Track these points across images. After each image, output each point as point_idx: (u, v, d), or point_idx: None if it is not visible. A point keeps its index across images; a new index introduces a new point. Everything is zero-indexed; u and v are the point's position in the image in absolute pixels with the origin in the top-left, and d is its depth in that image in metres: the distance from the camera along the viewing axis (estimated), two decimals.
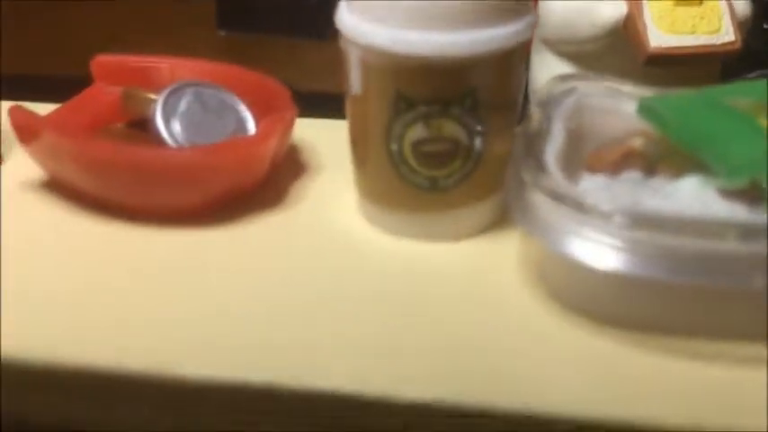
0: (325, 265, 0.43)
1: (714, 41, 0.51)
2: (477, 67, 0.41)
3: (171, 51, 0.86)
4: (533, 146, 0.36)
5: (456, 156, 0.42)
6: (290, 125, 0.53)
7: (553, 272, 0.37)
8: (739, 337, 0.33)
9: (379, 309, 0.39)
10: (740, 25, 0.52)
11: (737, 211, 0.32)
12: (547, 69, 0.58)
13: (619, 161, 0.37)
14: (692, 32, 0.51)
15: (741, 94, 0.36)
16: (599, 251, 0.32)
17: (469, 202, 0.44)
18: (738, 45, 0.51)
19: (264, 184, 0.52)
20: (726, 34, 0.51)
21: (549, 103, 0.40)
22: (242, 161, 0.50)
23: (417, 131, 0.41)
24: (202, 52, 0.87)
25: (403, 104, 0.41)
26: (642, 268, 0.31)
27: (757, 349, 0.33)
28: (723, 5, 0.52)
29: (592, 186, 0.35)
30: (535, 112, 0.40)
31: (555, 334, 0.35)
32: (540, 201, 0.34)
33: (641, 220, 0.31)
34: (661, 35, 0.50)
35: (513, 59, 0.43)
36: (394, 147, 0.43)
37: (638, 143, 0.37)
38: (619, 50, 0.52)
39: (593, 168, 0.37)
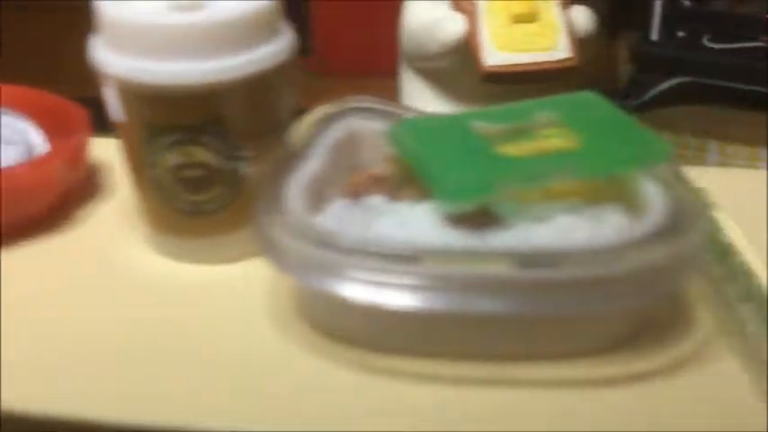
0: (90, 285, 0.41)
1: (550, 58, 0.47)
2: (221, 94, 0.38)
3: None
4: (278, 175, 0.34)
5: (214, 181, 0.40)
6: (83, 148, 0.50)
7: (301, 298, 0.34)
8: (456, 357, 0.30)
9: (125, 328, 0.37)
10: (581, 41, 0.48)
11: (458, 237, 0.29)
12: (410, 87, 0.55)
13: (363, 186, 0.34)
14: (529, 50, 0.47)
15: (496, 119, 0.32)
16: (324, 279, 0.29)
17: (236, 227, 0.42)
18: (575, 61, 0.47)
19: (57, 208, 0.50)
20: (562, 51, 0.47)
21: (318, 127, 0.37)
22: (23, 188, 0.47)
23: (172, 158, 0.40)
24: None
25: (153, 132, 0.39)
26: (361, 294, 0.28)
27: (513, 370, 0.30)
28: (560, 22, 0.47)
29: (335, 212, 0.32)
30: (299, 136, 0.37)
31: (301, 358, 0.32)
32: (276, 232, 0.31)
33: (346, 247, 0.28)
34: (497, 53, 0.47)
35: (267, 83, 0.39)
36: (153, 172, 0.41)
37: (382, 168, 0.34)
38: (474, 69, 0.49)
39: (345, 193, 0.34)
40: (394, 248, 0.27)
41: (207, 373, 0.35)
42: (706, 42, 0.79)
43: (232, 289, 0.39)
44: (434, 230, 0.29)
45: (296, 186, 0.33)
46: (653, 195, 0.29)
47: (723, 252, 0.32)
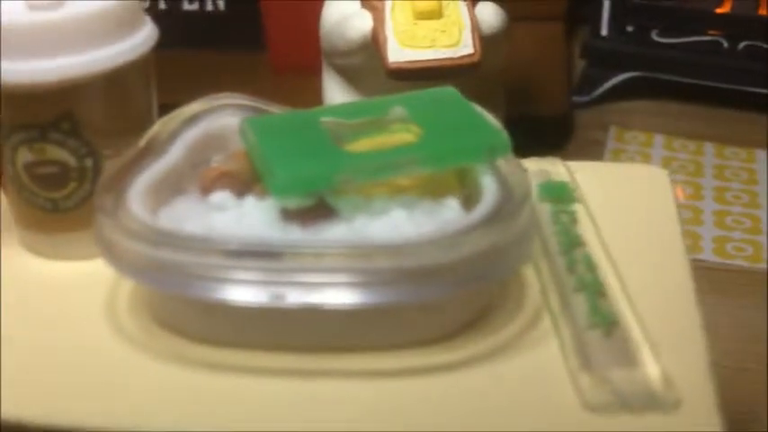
0: None
1: (452, 55, 0.47)
2: (72, 91, 0.38)
3: None
4: (123, 173, 0.33)
5: (69, 178, 0.40)
6: None
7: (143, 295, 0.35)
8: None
9: None
10: (488, 38, 0.49)
11: (292, 232, 0.30)
12: (329, 84, 0.56)
13: (212, 181, 0.34)
14: (432, 46, 0.48)
15: (349, 115, 0.33)
16: (158, 276, 0.29)
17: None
18: (477, 57, 0.47)
19: None
20: (464, 47, 0.48)
21: (182, 123, 0.37)
22: None
23: (24, 155, 0.40)
24: None
25: (8, 130, 0.40)
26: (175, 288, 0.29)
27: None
28: (465, 19, 0.48)
29: (178, 208, 0.33)
30: (159, 132, 0.37)
31: (137, 355, 0.33)
32: (112, 233, 0.31)
33: (170, 241, 0.29)
34: (401, 50, 0.48)
35: (123, 80, 0.39)
36: (12, 170, 0.41)
37: (232, 163, 0.34)
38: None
39: (197, 189, 0.34)
40: (223, 244, 0.28)
41: (37, 365, 0.34)
42: (655, 37, 0.80)
43: (82, 284, 0.40)
44: (269, 226, 0.30)
45: (141, 184, 0.32)
46: (488, 187, 0.30)
47: (570, 243, 0.33)
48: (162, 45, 0.90)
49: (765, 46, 0.76)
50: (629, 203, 0.38)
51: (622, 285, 0.32)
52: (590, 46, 0.82)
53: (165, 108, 0.79)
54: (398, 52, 0.47)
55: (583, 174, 0.39)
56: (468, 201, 0.31)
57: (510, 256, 0.29)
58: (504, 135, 0.31)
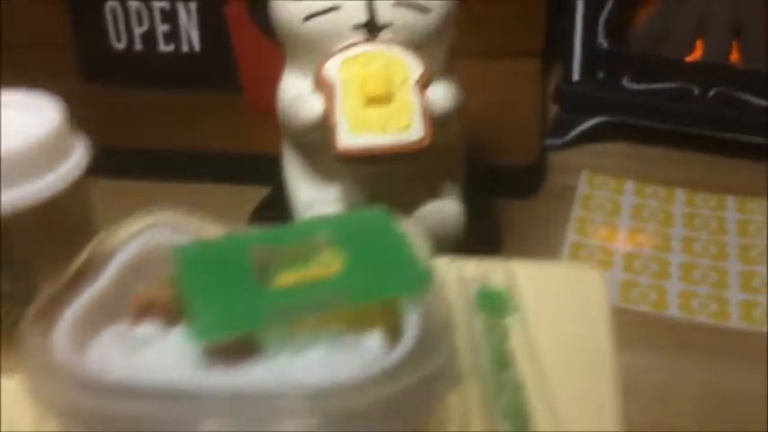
0: None
1: (402, 140, 0.48)
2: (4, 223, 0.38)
3: None
4: (51, 305, 0.33)
5: (6, 301, 0.40)
6: None
7: None
8: None
9: None
10: (440, 119, 0.49)
11: (215, 371, 0.30)
12: (286, 157, 0.56)
13: (139, 310, 0.33)
14: (382, 131, 0.48)
15: (276, 241, 0.33)
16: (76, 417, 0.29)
17: None
18: (427, 141, 0.48)
19: None
20: (415, 131, 0.48)
21: (115, 245, 0.36)
22: None
23: None
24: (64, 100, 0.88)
25: None
26: None
27: None
28: (415, 101, 0.48)
29: (105, 343, 0.32)
30: (89, 256, 0.36)
31: None
32: (36, 374, 0.31)
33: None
34: (350, 135, 0.48)
35: (54, 206, 0.39)
36: None
37: (161, 290, 0.34)
38: None
39: (126, 318, 0.34)
40: (140, 388, 0.28)
41: None
42: (626, 83, 0.80)
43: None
44: (192, 363, 0.30)
45: (71, 315, 0.31)
46: (409, 322, 0.30)
47: (500, 363, 0.34)
48: (138, 86, 0.91)
49: (736, 93, 0.77)
50: (564, 310, 0.38)
51: (551, 410, 0.33)
52: (562, 91, 0.83)
53: (154, 153, 0.79)
54: (348, 137, 0.48)
55: (524, 276, 0.39)
56: (393, 331, 0.31)
57: (429, 393, 0.30)
58: (428, 271, 0.32)
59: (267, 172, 0.78)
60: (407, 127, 0.48)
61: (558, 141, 0.84)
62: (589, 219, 0.73)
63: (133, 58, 0.89)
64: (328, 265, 0.32)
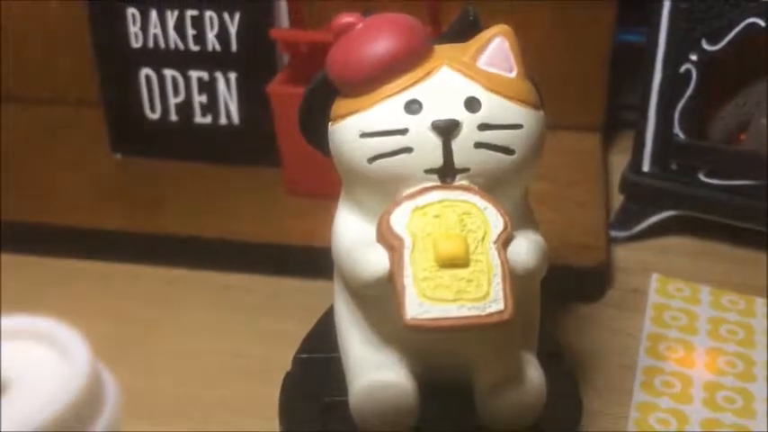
0: None
1: (479, 312, 0.41)
2: None
3: (66, 170, 0.83)
4: None
5: None
6: None
7: None
8: None
9: None
10: (520, 283, 0.43)
11: None
12: (338, 301, 0.50)
13: None
14: (456, 300, 0.41)
15: None
16: None
17: None
18: (508, 315, 0.41)
19: None
20: (494, 302, 0.42)
21: None
22: None
23: None
24: (98, 173, 0.84)
25: None
26: None
27: None
28: (496, 265, 0.42)
29: None
30: None
31: None
32: None
33: None
34: (421, 303, 0.41)
35: None
36: None
37: None
38: None
39: None
40: None
41: None
42: (701, 177, 0.74)
43: None
44: None
45: None
46: None
47: None
48: (171, 157, 0.85)
49: None
50: None
51: None
52: (630, 181, 0.76)
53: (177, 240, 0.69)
54: (418, 306, 0.41)
55: None
56: None
57: None
58: None
59: (302, 264, 0.73)
60: (486, 296, 0.42)
61: (624, 234, 0.77)
62: (663, 336, 0.67)
63: (167, 129, 0.84)
64: None
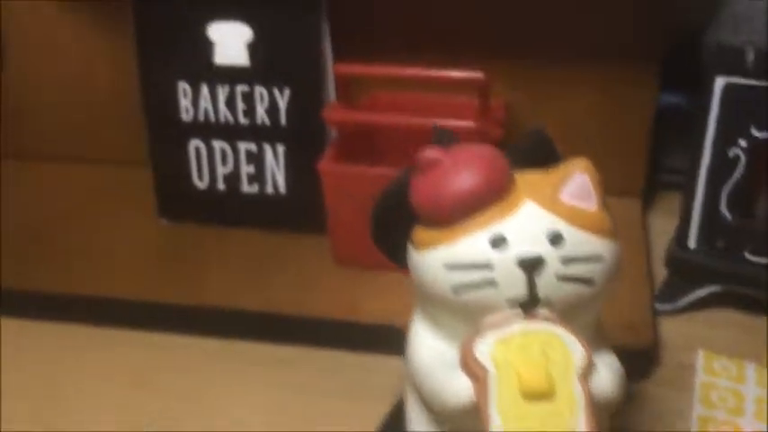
0: None
1: None
2: None
3: (113, 236, 0.84)
4: None
5: None
6: None
7: None
8: None
9: None
10: (600, 410, 0.44)
11: None
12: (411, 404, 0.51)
13: None
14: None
15: None
16: None
17: None
18: None
19: None
20: None
21: None
22: None
23: None
24: (144, 237, 0.85)
25: None
26: None
27: None
28: (579, 397, 0.43)
29: None
30: None
31: None
32: None
33: None
34: None
35: None
36: None
37: None
38: None
39: None
40: None
41: None
42: (747, 255, 0.75)
43: None
44: None
45: None
46: None
47: None
48: (217, 223, 0.86)
49: None
50: None
51: None
52: (676, 256, 0.77)
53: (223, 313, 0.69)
54: None
55: None
56: None
57: None
58: None
59: (355, 339, 0.74)
60: (570, 428, 0.43)
61: (669, 307, 0.79)
62: (711, 418, 0.68)
63: (214, 197, 0.85)
64: None
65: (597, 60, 0.84)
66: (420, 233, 0.47)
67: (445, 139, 0.48)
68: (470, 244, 0.44)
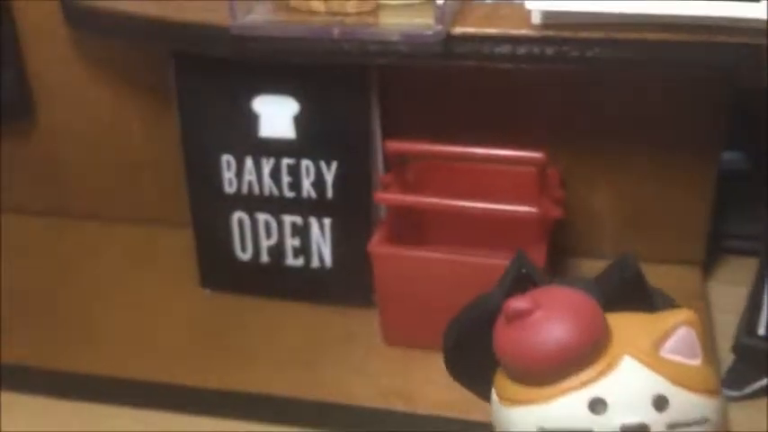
0: None
1: None
2: None
3: (156, 307, 0.81)
4: None
5: None
6: None
7: None
8: None
9: None
10: None
11: None
12: None
13: None
14: None
15: None
16: None
17: None
18: None
19: None
20: None
21: None
22: None
23: None
24: (186, 309, 0.82)
25: None
26: None
27: None
28: None
29: None
30: None
31: None
32: None
33: None
34: None
35: None
36: None
37: None
38: None
39: None
40: None
41: None
42: None
43: None
44: None
45: None
46: None
47: None
48: (261, 294, 0.82)
49: None
50: None
51: None
52: (744, 344, 0.74)
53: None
54: None
55: None
56: None
57: None
58: None
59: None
60: None
61: (735, 394, 0.75)
62: None
63: (258, 269, 0.82)
64: None
65: (655, 126, 0.80)
66: (507, 387, 0.43)
67: (532, 277, 0.44)
68: (566, 406, 0.41)
